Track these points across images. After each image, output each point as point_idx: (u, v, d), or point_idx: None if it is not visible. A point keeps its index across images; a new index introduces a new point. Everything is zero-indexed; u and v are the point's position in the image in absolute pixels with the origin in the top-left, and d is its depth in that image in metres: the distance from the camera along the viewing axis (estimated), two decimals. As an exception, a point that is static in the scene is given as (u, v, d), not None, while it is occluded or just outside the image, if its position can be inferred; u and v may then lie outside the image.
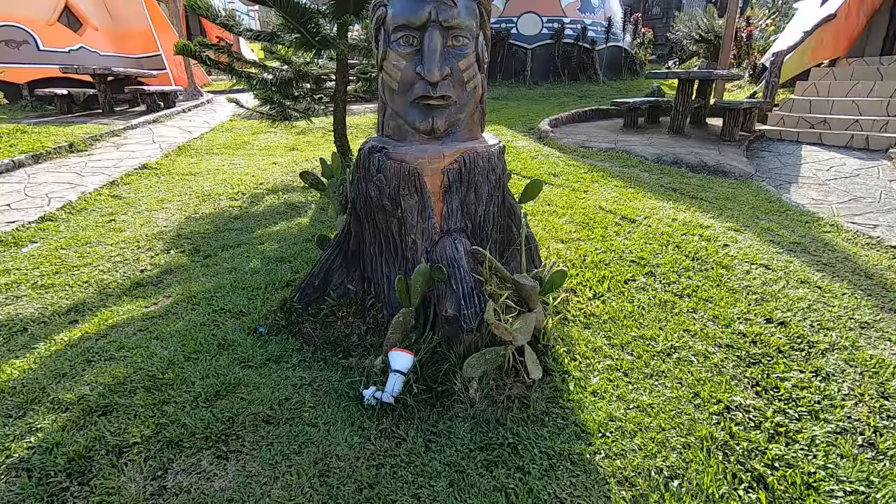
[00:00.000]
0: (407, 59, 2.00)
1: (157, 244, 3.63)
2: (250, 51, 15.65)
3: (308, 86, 5.03)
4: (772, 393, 2.04)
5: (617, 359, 2.23)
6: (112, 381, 2.02)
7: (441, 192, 2.09)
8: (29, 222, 3.98)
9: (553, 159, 5.78)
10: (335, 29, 4.78)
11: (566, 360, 2.18)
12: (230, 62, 4.58)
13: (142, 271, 3.20)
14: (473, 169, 2.10)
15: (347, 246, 2.39)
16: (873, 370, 2.17)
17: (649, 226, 3.73)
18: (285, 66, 5.17)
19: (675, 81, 8.23)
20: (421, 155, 2.04)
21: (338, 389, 1.99)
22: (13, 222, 4.06)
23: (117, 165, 5.91)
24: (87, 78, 9.36)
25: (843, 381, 2.11)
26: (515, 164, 5.55)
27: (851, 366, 2.20)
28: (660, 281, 2.90)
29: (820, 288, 2.89)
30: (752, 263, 3.14)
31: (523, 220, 2.22)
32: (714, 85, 8.26)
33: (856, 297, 2.78)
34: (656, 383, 2.08)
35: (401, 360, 1.92)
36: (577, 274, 2.94)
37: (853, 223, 4.12)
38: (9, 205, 4.52)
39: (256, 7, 18.61)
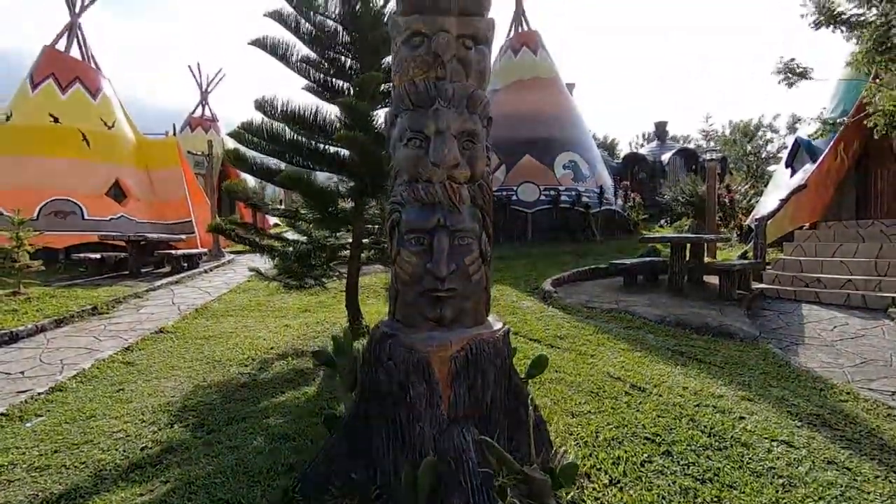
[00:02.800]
0: (418, 257, 2.24)
1: (162, 417, 3.59)
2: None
3: (325, 255, 5.42)
4: None
5: (641, 563, 2.04)
6: None
7: (449, 379, 2.15)
8: (39, 393, 4.00)
9: (558, 320, 5.91)
10: (352, 205, 5.34)
11: (586, 565, 2.01)
12: (254, 239, 5.03)
13: (142, 449, 3.12)
14: (480, 355, 2.20)
15: (354, 431, 2.38)
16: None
17: (660, 395, 3.68)
18: (304, 238, 5.64)
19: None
20: (430, 343, 2.15)
21: None
22: (24, 391, 4.08)
23: (135, 328, 6.09)
24: (121, 242, 10.13)
25: None
26: (521, 325, 5.67)
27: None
28: (678, 462, 2.77)
29: (849, 469, 2.74)
30: (773, 440, 3.02)
31: (531, 407, 2.24)
32: (706, 245, 8.76)
33: (890, 482, 2.62)
34: None
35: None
36: (591, 454, 2.83)
37: (870, 390, 4.04)
38: (22, 372, 4.59)
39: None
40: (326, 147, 5.26)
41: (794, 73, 6.21)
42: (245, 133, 4.87)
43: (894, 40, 4.41)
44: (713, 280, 7.73)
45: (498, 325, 2.40)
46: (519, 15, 15.71)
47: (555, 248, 12.05)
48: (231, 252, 13.69)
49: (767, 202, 10.00)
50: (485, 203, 2.45)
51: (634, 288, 7.86)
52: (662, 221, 16.06)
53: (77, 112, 11.60)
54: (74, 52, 12.47)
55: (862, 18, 4.78)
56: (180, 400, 3.91)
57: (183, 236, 11.45)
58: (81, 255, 9.55)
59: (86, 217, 10.74)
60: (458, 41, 2.35)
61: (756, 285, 7.69)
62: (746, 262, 7.66)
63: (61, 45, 12.33)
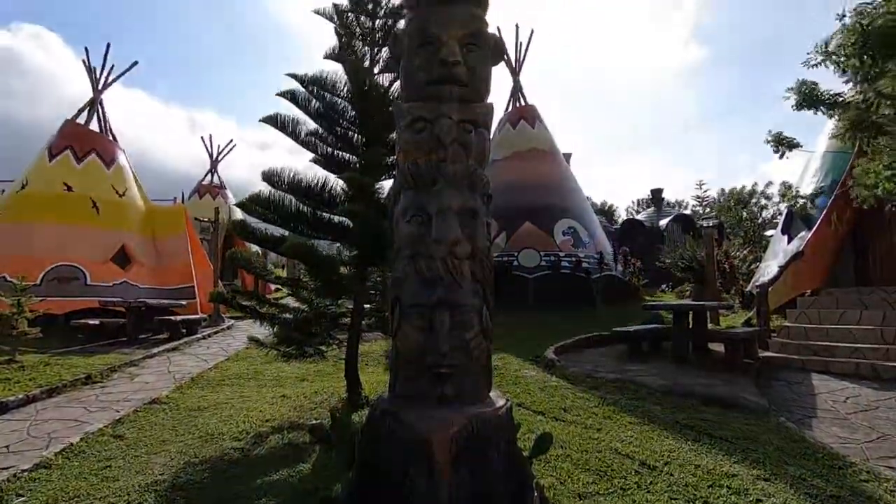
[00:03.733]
0: (419, 332, 2.24)
1: (149, 498, 3.42)
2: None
3: (325, 323, 5.39)
4: None
5: None
6: None
7: (450, 461, 2.08)
8: (23, 470, 3.84)
9: (562, 391, 5.77)
10: (354, 273, 5.39)
11: None
12: (255, 307, 5.04)
13: (125, 535, 2.95)
14: (482, 435, 2.14)
15: (351, 517, 2.27)
16: None
17: (671, 474, 3.52)
18: (305, 306, 5.63)
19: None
20: (430, 422, 2.10)
21: None
22: (7, 468, 3.91)
23: (128, 398, 5.94)
24: (122, 308, 10.10)
25: None
26: (524, 396, 5.52)
27: None
28: (693, 552, 2.61)
29: (877, 561, 2.56)
30: (792, 526, 2.85)
31: (535, 491, 2.14)
32: (709, 312, 8.71)
33: (922, 575, 2.45)
34: None
35: None
36: (600, 542, 2.67)
37: (889, 468, 3.86)
38: (8, 447, 4.43)
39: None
40: (331, 217, 5.40)
41: (783, 145, 6.47)
42: (252, 204, 5.02)
43: (872, 119, 4.65)
44: (719, 347, 7.62)
45: (500, 402, 2.35)
46: (516, 90, 16.62)
47: (556, 313, 11.96)
48: (231, 317, 13.60)
49: (767, 269, 10.06)
50: (485, 278, 2.49)
51: (639, 356, 7.72)
52: (664, 286, 16.06)
53: (90, 181, 11.99)
54: (94, 125, 13.11)
55: (840, 99, 5.06)
56: (169, 478, 3.74)
57: (183, 302, 11.43)
58: (81, 321, 9.49)
59: (88, 283, 10.80)
60: (458, 126, 2.49)
61: (762, 353, 7.56)
62: (751, 329, 7.58)
63: (82, 119, 12.98)
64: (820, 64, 4.67)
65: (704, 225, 11.25)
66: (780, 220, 11.37)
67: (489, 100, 2.74)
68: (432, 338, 2.18)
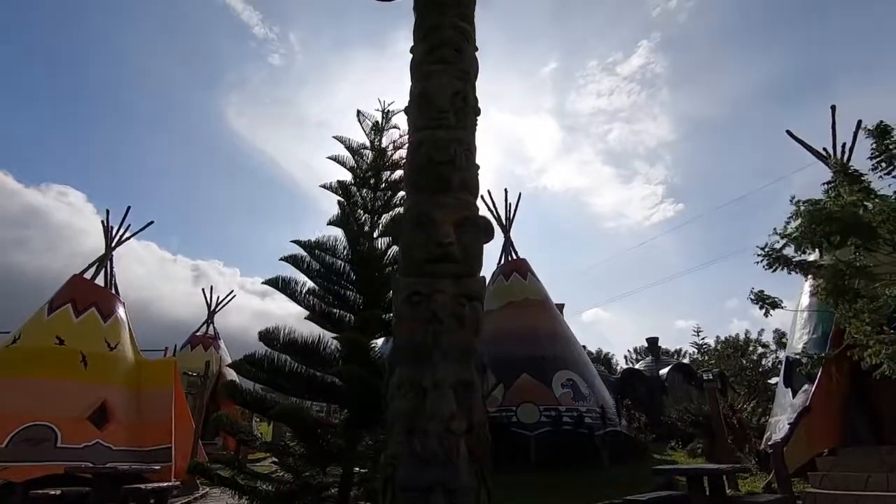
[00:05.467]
0: (412, 522, 2.08)
1: None
2: (258, 433, 16.06)
3: (309, 497, 4.95)
4: None
5: None
6: None
7: None
8: None
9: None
10: (343, 442, 5.10)
11: None
12: (236, 479, 4.67)
13: None
14: None
15: None
16: None
17: None
18: (289, 476, 5.22)
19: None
20: None
21: None
22: None
23: None
24: (88, 475, 9.25)
25: None
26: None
27: None
28: None
29: None
30: None
31: None
32: (725, 476, 8.08)
33: None
34: None
35: None
36: None
37: None
38: None
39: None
40: (324, 376, 5.31)
41: (766, 303, 6.67)
42: (246, 364, 4.98)
43: (848, 283, 4.93)
44: (742, 520, 6.89)
45: None
46: (507, 245, 17.61)
47: (560, 476, 11.02)
48: (205, 483, 12.40)
49: (778, 424, 9.61)
50: (483, 454, 2.39)
51: (656, 530, 6.94)
52: (672, 443, 15.12)
53: (85, 334, 11.92)
54: (100, 279, 13.48)
55: (811, 262, 5.41)
56: None
57: (157, 466, 10.53)
58: (40, 491, 8.62)
59: (59, 444, 10.05)
60: (453, 300, 2.63)
61: (791, 526, 6.84)
62: (774, 497, 6.97)
63: (90, 273, 13.40)
64: (783, 248, 5.14)
65: (706, 378, 11.03)
66: (781, 370, 11.20)
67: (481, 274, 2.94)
68: (426, 530, 2.02)
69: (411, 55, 3.70)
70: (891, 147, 4.92)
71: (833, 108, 10.83)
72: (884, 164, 5.13)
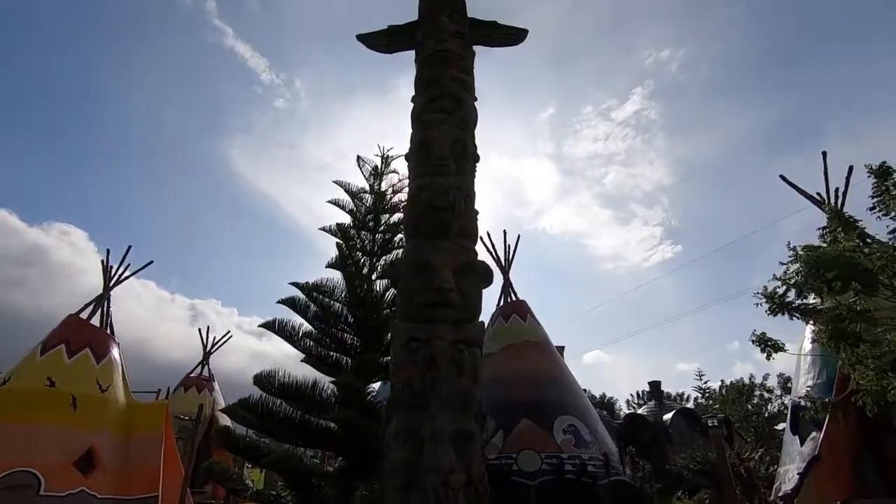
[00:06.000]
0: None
1: None
2: (250, 481, 15.47)
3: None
4: None
5: None
6: None
7: None
8: None
9: None
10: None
11: None
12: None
13: None
14: None
15: None
16: None
17: None
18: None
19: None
20: None
21: None
22: None
23: None
24: (70, 527, 8.84)
25: None
26: None
27: None
28: None
29: None
30: None
31: None
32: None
33: None
34: None
35: None
36: None
37: None
38: None
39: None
40: (319, 422, 5.18)
41: (768, 346, 6.59)
42: (240, 409, 4.86)
43: (849, 328, 4.89)
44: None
45: None
46: (507, 287, 17.55)
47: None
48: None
49: (787, 474, 9.31)
50: (482, 509, 2.30)
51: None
52: (679, 493, 14.58)
53: (77, 375, 11.68)
54: (96, 318, 13.32)
55: (811, 307, 5.40)
56: None
57: (143, 517, 10.09)
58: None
59: (42, 492, 9.66)
60: (452, 346, 2.60)
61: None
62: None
63: (86, 313, 13.26)
64: (784, 293, 5.16)
65: (710, 424, 10.77)
66: (787, 417, 10.95)
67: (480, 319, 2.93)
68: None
69: (412, 104, 3.82)
70: (891, 189, 4.98)
71: (824, 154, 11.09)
72: (881, 206, 5.18)
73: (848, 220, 5.49)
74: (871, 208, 5.19)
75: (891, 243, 5.18)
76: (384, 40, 5.21)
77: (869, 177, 5.24)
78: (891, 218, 5.09)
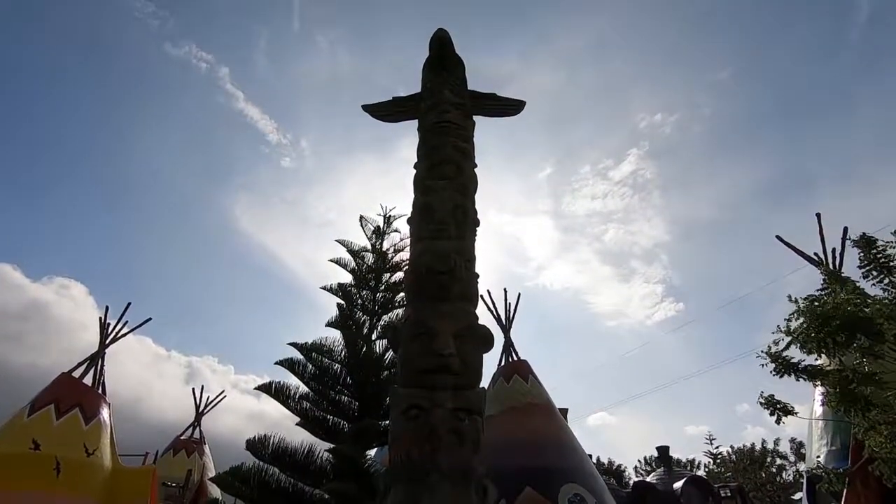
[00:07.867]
0: None
1: None
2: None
3: None
4: None
5: None
6: None
7: None
8: None
9: None
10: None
11: None
12: None
13: None
14: None
15: None
16: None
17: None
18: None
19: None
20: None
21: None
22: None
23: None
24: None
25: None
26: None
27: None
28: None
29: None
30: None
31: None
32: None
33: None
34: None
35: None
36: None
37: None
38: None
39: None
40: (313, 493, 4.95)
41: (777, 409, 6.39)
42: (231, 478, 4.67)
43: (858, 391, 4.78)
44: None
45: None
46: (508, 346, 17.27)
47: None
48: None
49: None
50: None
51: None
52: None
53: (63, 438, 11.27)
54: (89, 377, 13.02)
55: (818, 367, 5.31)
56: None
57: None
58: None
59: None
60: (452, 414, 2.55)
61: None
62: None
63: (78, 371, 12.98)
64: (787, 347, 5.11)
65: (724, 494, 10.25)
66: (804, 487, 10.43)
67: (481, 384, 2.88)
68: None
69: (414, 170, 3.96)
70: (878, 257, 5.07)
71: (818, 215, 11.29)
72: (875, 273, 5.24)
73: (846, 281, 5.52)
74: (864, 276, 5.26)
75: (888, 300, 5.17)
76: (388, 110, 5.49)
77: (853, 248, 5.36)
78: (886, 284, 5.14)
